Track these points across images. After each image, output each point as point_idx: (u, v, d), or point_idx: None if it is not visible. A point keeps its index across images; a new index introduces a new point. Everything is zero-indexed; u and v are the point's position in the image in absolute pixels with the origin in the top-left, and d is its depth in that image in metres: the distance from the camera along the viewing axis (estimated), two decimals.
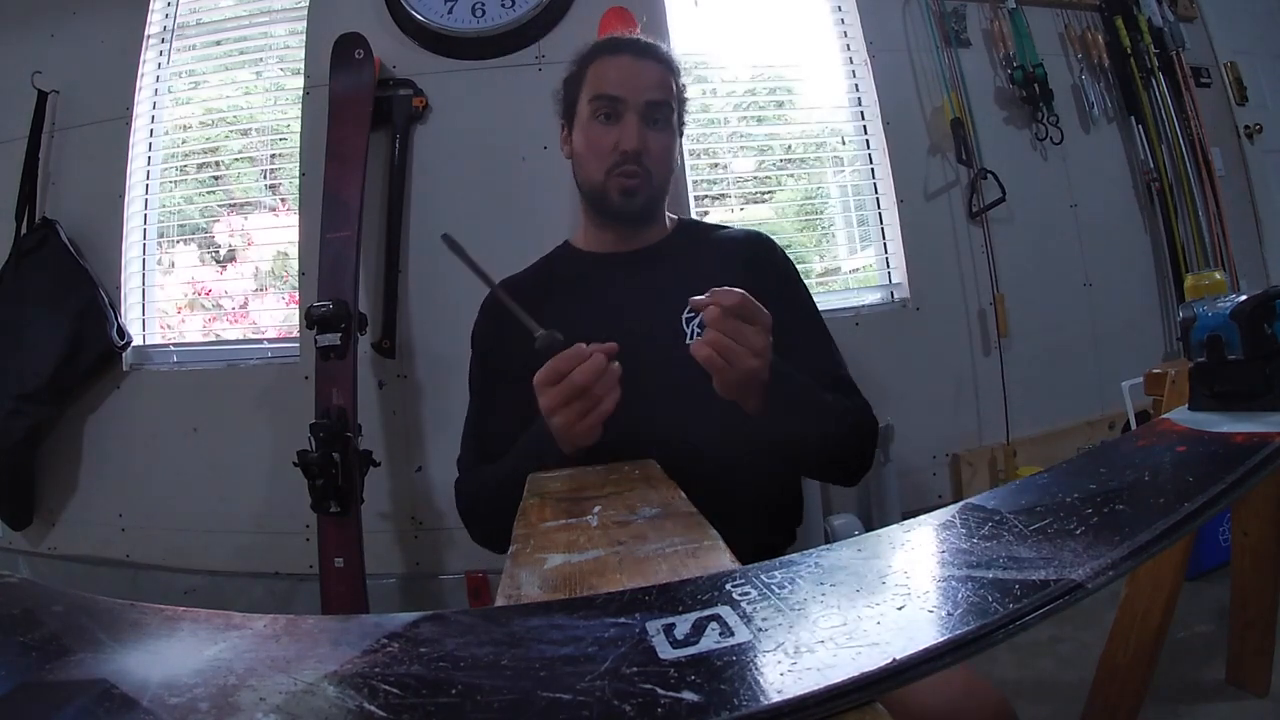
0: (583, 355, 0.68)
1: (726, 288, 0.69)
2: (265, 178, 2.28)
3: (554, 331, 0.72)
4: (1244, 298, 0.51)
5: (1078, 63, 2.34)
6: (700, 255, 0.96)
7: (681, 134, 0.96)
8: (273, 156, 2.22)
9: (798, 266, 1.01)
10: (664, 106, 0.90)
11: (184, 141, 2.25)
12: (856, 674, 0.23)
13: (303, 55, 2.07)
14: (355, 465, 1.72)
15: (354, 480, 1.71)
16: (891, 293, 2.19)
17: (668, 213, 1.01)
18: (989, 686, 0.65)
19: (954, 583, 0.30)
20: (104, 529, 2.02)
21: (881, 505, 1.96)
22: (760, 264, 0.95)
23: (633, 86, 0.88)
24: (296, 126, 2.06)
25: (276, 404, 1.95)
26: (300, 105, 2.04)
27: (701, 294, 0.85)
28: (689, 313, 0.87)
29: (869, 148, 2.22)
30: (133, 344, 2.04)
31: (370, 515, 1.81)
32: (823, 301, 2.15)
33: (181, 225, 2.23)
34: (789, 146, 2.34)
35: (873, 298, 2.21)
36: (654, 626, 0.27)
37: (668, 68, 0.92)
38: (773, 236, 1.01)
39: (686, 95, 0.96)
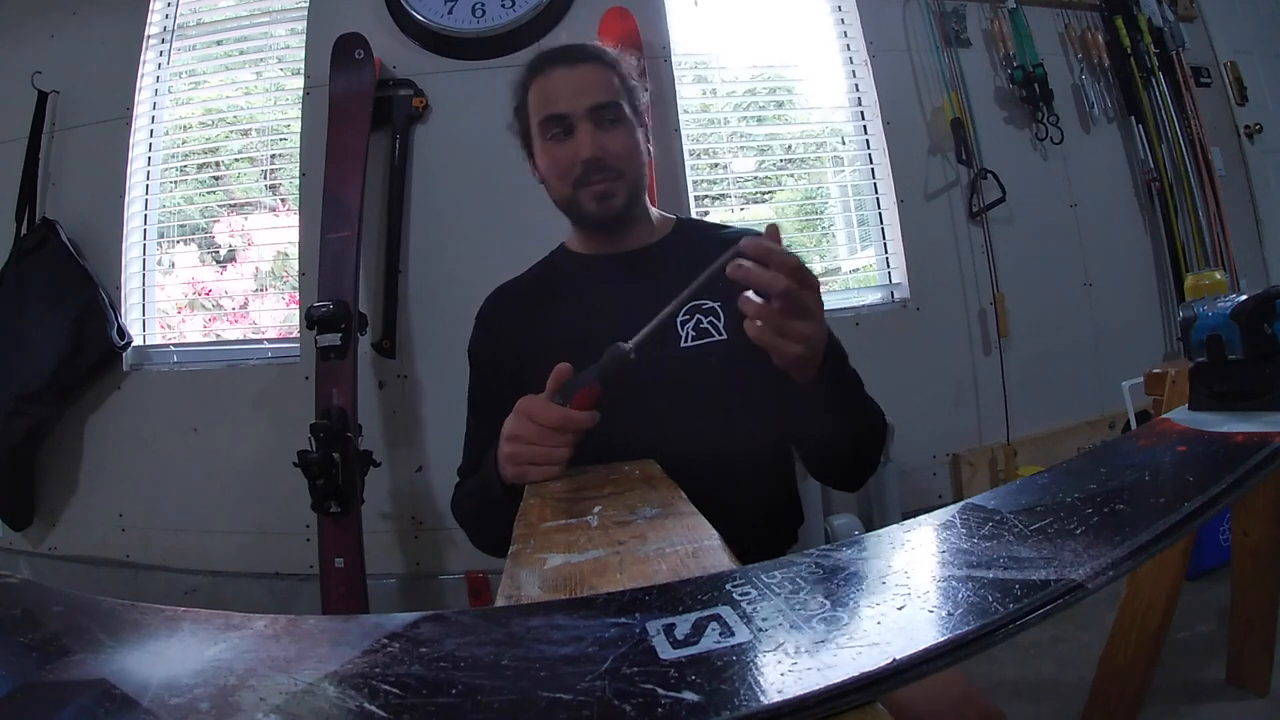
0: (557, 421, 0.66)
1: (772, 246, 0.63)
2: (265, 178, 2.28)
3: (628, 351, 0.68)
4: (1244, 298, 0.51)
5: (1078, 63, 2.34)
6: (697, 255, 0.92)
7: (644, 123, 0.91)
8: (273, 156, 2.23)
9: None
10: (610, 106, 0.86)
11: (184, 141, 2.25)
12: (856, 674, 0.23)
13: (303, 55, 2.07)
14: (355, 465, 1.72)
15: (354, 480, 1.71)
16: (891, 293, 2.19)
17: (665, 212, 0.99)
18: (986, 700, 0.65)
19: (954, 583, 0.30)
20: (104, 529, 2.02)
21: (881, 505, 1.96)
22: None
23: (571, 98, 0.85)
24: (296, 126, 2.07)
25: (276, 404, 1.95)
26: (300, 105, 2.05)
27: (699, 293, 0.85)
28: (684, 315, 0.86)
29: (869, 148, 2.22)
30: (133, 344, 2.04)
31: (370, 515, 1.82)
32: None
33: (181, 225, 2.24)
34: (789, 146, 2.34)
35: (873, 298, 2.21)
36: (654, 626, 0.27)
37: (604, 63, 0.88)
38: None
39: (635, 83, 0.91)
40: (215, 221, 2.28)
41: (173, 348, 2.15)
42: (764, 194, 2.38)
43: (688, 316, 0.86)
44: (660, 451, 0.71)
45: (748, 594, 0.30)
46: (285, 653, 0.27)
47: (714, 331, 0.85)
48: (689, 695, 0.22)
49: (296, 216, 2.04)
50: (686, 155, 2.10)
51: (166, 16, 2.17)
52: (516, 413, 0.69)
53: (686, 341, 0.85)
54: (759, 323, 0.64)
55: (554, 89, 0.86)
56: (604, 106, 0.86)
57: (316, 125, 1.96)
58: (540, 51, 0.91)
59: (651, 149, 0.93)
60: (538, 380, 0.72)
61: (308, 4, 2.08)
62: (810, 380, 0.71)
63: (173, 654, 0.27)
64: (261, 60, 2.23)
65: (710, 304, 0.86)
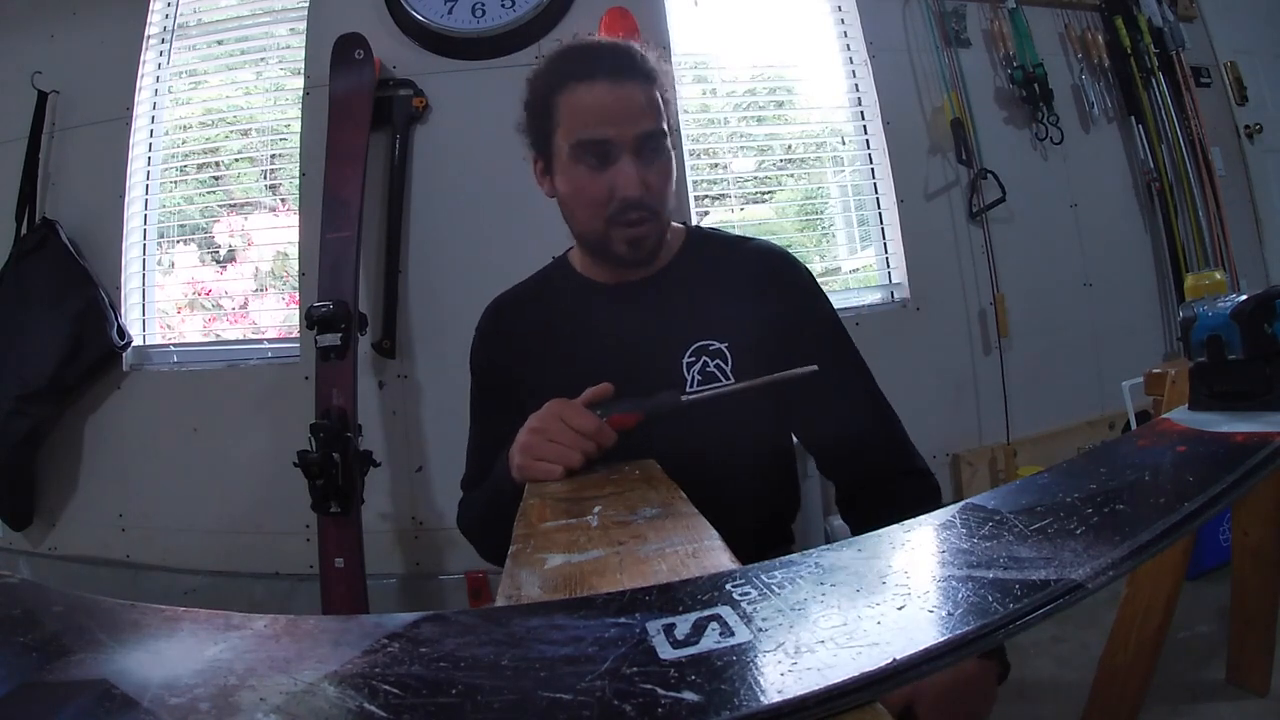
0: (590, 428, 0.67)
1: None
2: (265, 178, 2.28)
3: (680, 400, 0.69)
4: (1244, 297, 0.51)
5: (1078, 63, 2.34)
6: (708, 284, 0.86)
7: (677, 144, 0.84)
8: (273, 156, 2.22)
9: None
10: (656, 135, 0.78)
11: (184, 141, 2.25)
12: (856, 674, 0.23)
13: (303, 55, 2.07)
14: (355, 465, 1.72)
15: (354, 480, 1.71)
16: (891, 293, 2.19)
17: (674, 222, 0.91)
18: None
19: (954, 583, 0.30)
20: (104, 529, 2.02)
21: None
22: (788, 304, 0.85)
23: (620, 123, 0.75)
24: (296, 126, 2.06)
25: (276, 404, 1.95)
26: (300, 105, 2.04)
27: (706, 332, 0.82)
28: (690, 357, 0.82)
29: (869, 148, 2.22)
30: (133, 344, 2.04)
31: (370, 515, 1.82)
32: None
33: (181, 225, 2.23)
34: (789, 146, 2.34)
35: (873, 298, 2.21)
36: (654, 626, 0.27)
37: (649, 79, 0.78)
38: (795, 255, 0.91)
39: (670, 95, 0.82)
40: (215, 221, 2.28)
41: (173, 348, 2.15)
42: (764, 194, 2.38)
43: (694, 359, 0.82)
44: (656, 449, 0.71)
45: (748, 594, 0.30)
46: (285, 653, 0.27)
47: (720, 375, 0.81)
48: (689, 695, 0.22)
49: (296, 216, 2.04)
50: (686, 155, 2.10)
51: (166, 16, 2.17)
52: (548, 409, 0.68)
53: (691, 386, 0.81)
54: None
55: (598, 108, 0.76)
56: (650, 135, 0.77)
57: (316, 125, 1.96)
58: (577, 47, 0.81)
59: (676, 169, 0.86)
60: (539, 400, 0.71)
61: (308, 4, 2.08)
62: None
63: (173, 654, 0.27)
64: (262, 60, 2.23)
65: (717, 345, 0.82)
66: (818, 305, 0.89)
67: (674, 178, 0.82)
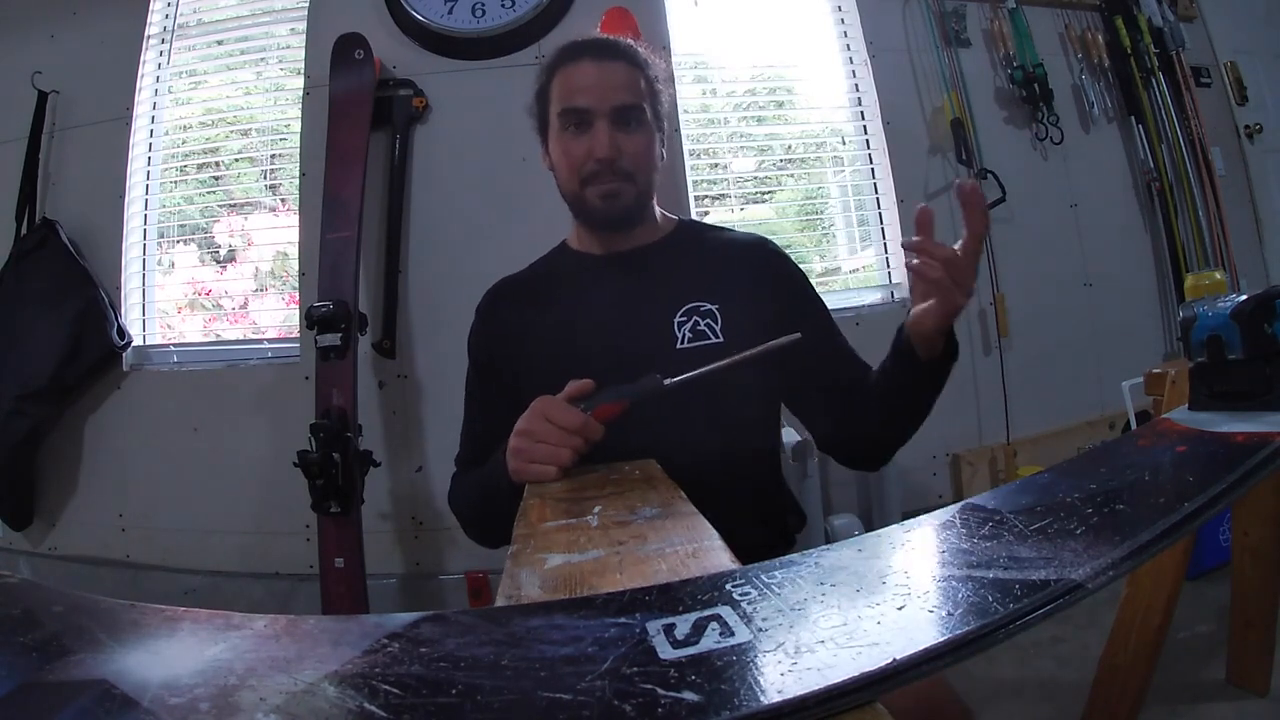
0: (575, 424, 0.67)
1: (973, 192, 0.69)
2: (265, 178, 2.28)
3: (663, 384, 0.69)
4: (1244, 298, 0.51)
5: (1078, 63, 2.34)
6: (698, 257, 0.93)
7: (662, 128, 0.90)
8: (273, 156, 2.22)
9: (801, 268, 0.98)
10: (634, 109, 0.86)
11: (184, 141, 2.25)
12: (856, 674, 0.23)
13: (303, 55, 2.07)
14: (355, 465, 1.72)
15: (354, 480, 1.71)
16: (891, 293, 2.19)
17: (667, 213, 0.98)
18: (955, 694, 0.66)
19: (954, 583, 0.30)
20: (104, 529, 2.02)
21: (881, 505, 1.96)
22: (771, 275, 0.92)
23: (598, 94, 0.84)
24: (296, 126, 2.06)
25: (276, 404, 1.95)
26: (300, 105, 2.04)
27: (697, 295, 0.86)
28: (681, 316, 0.86)
29: (869, 148, 2.22)
30: (133, 344, 2.04)
31: (370, 515, 1.82)
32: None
33: (181, 225, 2.24)
34: (789, 146, 2.34)
35: (873, 298, 2.21)
36: (654, 626, 0.27)
37: (633, 64, 0.87)
38: (775, 240, 0.98)
39: (660, 86, 0.90)
40: (215, 221, 2.28)
41: (173, 348, 2.15)
42: (764, 194, 2.38)
43: (685, 318, 0.86)
44: (655, 453, 0.72)
45: (748, 594, 0.30)
46: (285, 653, 0.27)
47: (710, 334, 0.85)
48: (689, 695, 0.22)
49: (296, 216, 2.04)
50: (686, 155, 2.10)
51: (166, 16, 2.17)
52: (533, 410, 0.69)
53: (683, 343, 0.85)
54: (937, 269, 0.69)
55: (581, 81, 0.85)
56: (627, 108, 0.85)
57: (316, 125, 1.96)
58: (573, 39, 0.90)
59: (665, 154, 0.92)
60: (532, 375, 0.72)
61: (308, 4, 2.08)
62: (936, 352, 0.76)
63: (173, 654, 0.27)
64: (262, 60, 2.23)
65: (708, 306, 0.86)
66: (813, 295, 0.96)
67: (654, 152, 0.89)
